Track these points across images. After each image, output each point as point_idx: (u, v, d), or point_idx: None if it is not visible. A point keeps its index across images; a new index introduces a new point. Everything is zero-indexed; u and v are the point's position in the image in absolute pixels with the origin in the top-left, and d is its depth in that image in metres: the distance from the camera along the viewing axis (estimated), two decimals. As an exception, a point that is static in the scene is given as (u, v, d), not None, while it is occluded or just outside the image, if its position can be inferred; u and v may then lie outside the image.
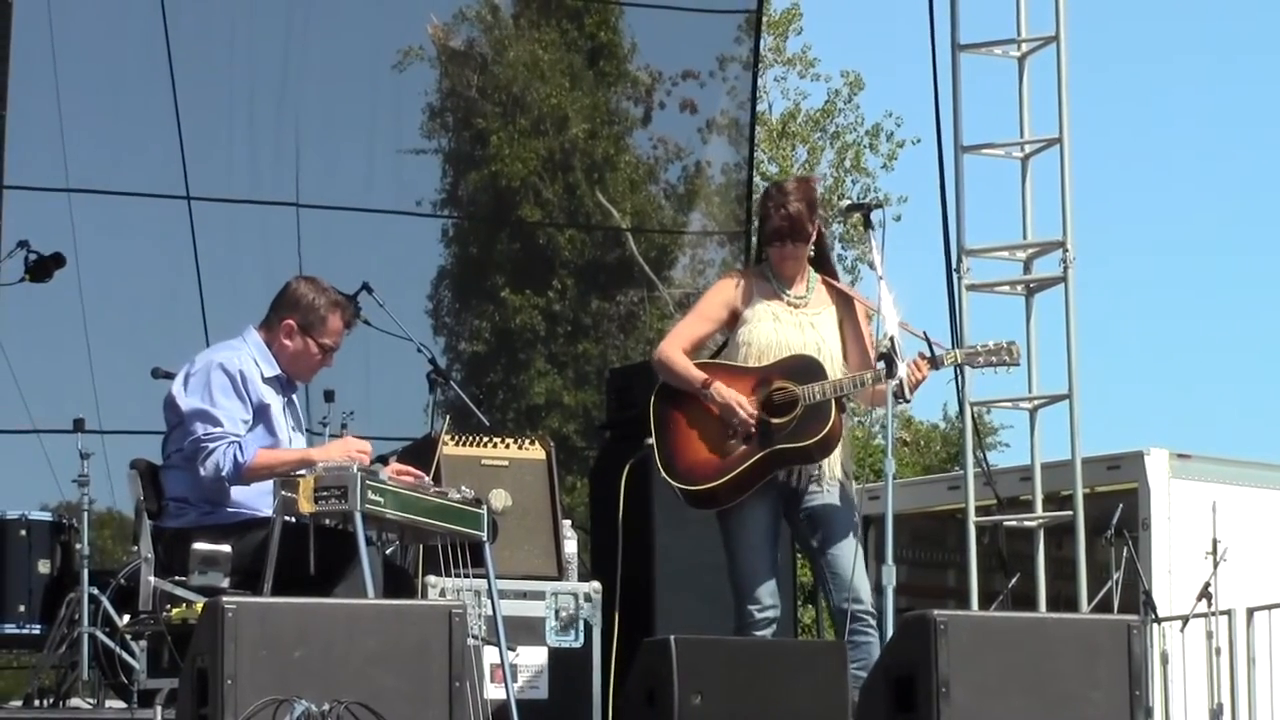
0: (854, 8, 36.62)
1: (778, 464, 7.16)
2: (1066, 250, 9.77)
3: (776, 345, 7.24)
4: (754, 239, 8.34)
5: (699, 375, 7.23)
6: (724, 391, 7.16)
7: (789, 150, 26.34)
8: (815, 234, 7.35)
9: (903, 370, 7.01)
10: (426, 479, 6.82)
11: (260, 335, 6.85)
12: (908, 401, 7.16)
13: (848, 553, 7.14)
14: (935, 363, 7.17)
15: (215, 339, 7.25)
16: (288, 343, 6.83)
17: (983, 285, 10.06)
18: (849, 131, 26.79)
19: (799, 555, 8.66)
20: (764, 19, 14.53)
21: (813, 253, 7.39)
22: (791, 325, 7.28)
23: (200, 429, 6.58)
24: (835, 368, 7.24)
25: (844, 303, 7.43)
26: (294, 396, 6.94)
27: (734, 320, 7.36)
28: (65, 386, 11.63)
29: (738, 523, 7.20)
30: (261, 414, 6.71)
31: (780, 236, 7.29)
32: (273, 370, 6.80)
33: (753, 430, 7.14)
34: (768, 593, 7.14)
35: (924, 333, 7.15)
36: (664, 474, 7.24)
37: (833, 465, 7.25)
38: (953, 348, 7.62)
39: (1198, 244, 40.28)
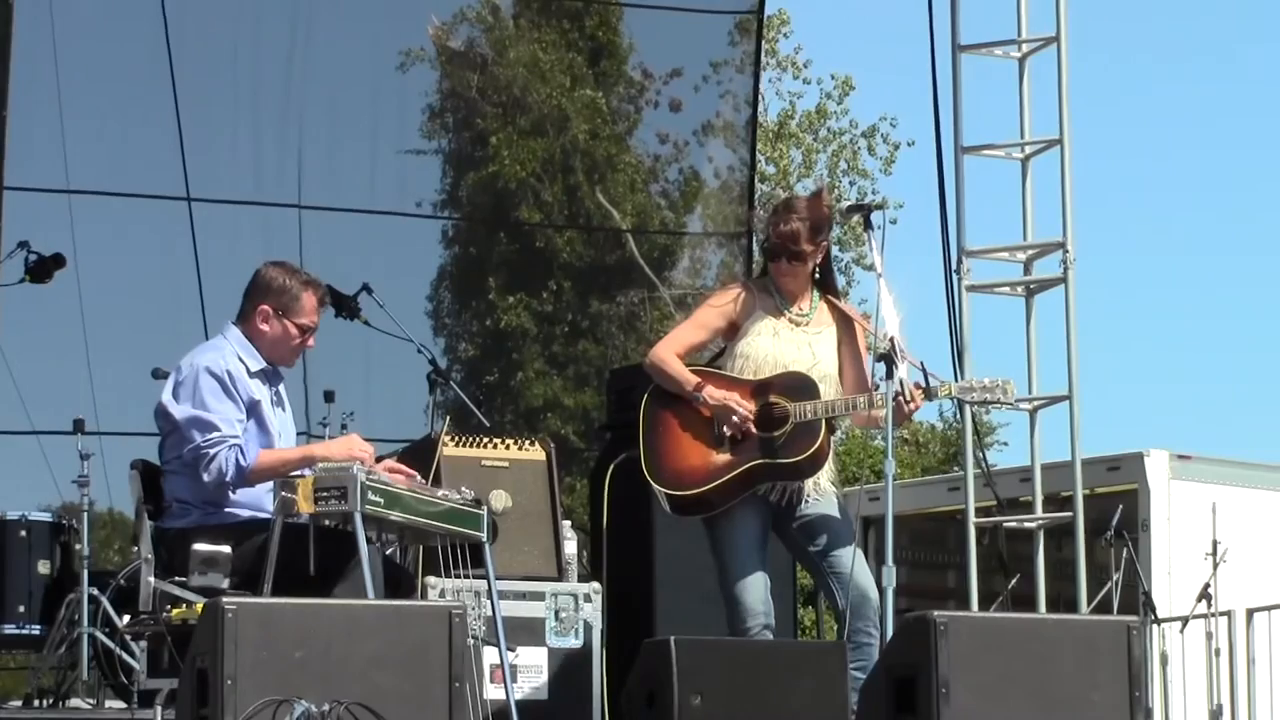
0: (848, 10, 36.66)
1: (763, 477, 7.14)
2: (1066, 251, 9.77)
3: (773, 361, 7.22)
4: (755, 244, 8.33)
5: (691, 378, 7.21)
6: (716, 393, 7.15)
7: (785, 151, 26.36)
8: (818, 253, 7.33)
9: (903, 370, 7.01)
10: (419, 478, 6.81)
11: (239, 329, 6.84)
12: (908, 416, 7.14)
13: (848, 552, 7.13)
14: (930, 394, 7.16)
15: (215, 340, 7.22)
16: (265, 328, 6.81)
17: (983, 286, 10.07)
18: (843, 134, 26.82)
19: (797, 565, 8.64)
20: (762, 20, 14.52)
21: (817, 275, 7.38)
22: (790, 342, 7.26)
23: (198, 436, 6.56)
24: (830, 388, 7.22)
25: (844, 323, 7.40)
26: (281, 387, 6.93)
27: (731, 331, 7.32)
28: (65, 387, 11.62)
29: (727, 530, 7.17)
30: (253, 410, 6.70)
31: (775, 254, 7.30)
32: (258, 364, 6.78)
33: (748, 430, 7.13)
34: (759, 601, 7.11)
35: (921, 363, 7.15)
36: (649, 478, 7.21)
37: (820, 479, 7.24)
38: (957, 379, 7.67)
39: (1198, 244, 40.31)
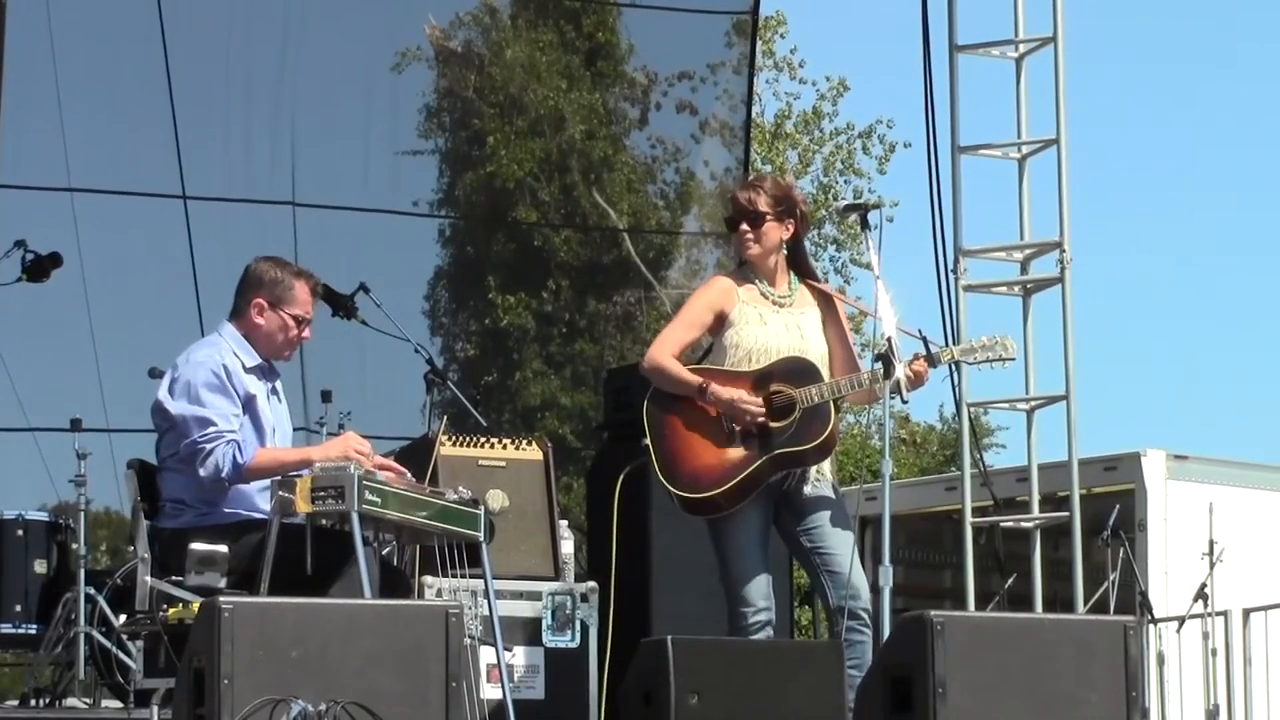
0: (844, 11, 36.68)
1: (778, 467, 7.14)
2: (1063, 251, 9.79)
3: (765, 347, 7.22)
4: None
5: (694, 379, 7.19)
6: (722, 391, 7.14)
7: (782, 151, 26.36)
8: (781, 227, 7.33)
9: (900, 371, 7.01)
10: (409, 475, 6.81)
11: (234, 326, 6.85)
12: (905, 402, 7.17)
13: (844, 549, 7.13)
14: (932, 360, 7.18)
15: (211, 338, 7.23)
16: (260, 321, 6.82)
17: (980, 286, 10.08)
18: (839, 134, 26.83)
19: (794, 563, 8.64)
20: (757, 21, 14.54)
21: (786, 251, 7.38)
22: (779, 326, 7.27)
23: (195, 432, 6.57)
24: (822, 368, 7.24)
25: (826, 303, 7.43)
26: (277, 384, 6.93)
27: (720, 325, 7.33)
28: (61, 385, 11.62)
29: (729, 527, 7.16)
30: (248, 405, 6.71)
31: (735, 221, 7.34)
32: (253, 360, 6.79)
33: (758, 426, 7.12)
34: (761, 595, 7.11)
35: (919, 331, 7.17)
36: (665, 483, 7.18)
37: (823, 465, 7.25)
38: (948, 345, 7.66)
39: (1195, 244, 40.34)
